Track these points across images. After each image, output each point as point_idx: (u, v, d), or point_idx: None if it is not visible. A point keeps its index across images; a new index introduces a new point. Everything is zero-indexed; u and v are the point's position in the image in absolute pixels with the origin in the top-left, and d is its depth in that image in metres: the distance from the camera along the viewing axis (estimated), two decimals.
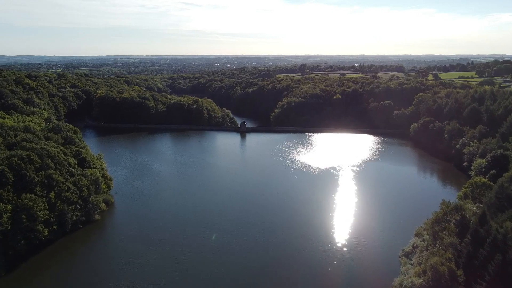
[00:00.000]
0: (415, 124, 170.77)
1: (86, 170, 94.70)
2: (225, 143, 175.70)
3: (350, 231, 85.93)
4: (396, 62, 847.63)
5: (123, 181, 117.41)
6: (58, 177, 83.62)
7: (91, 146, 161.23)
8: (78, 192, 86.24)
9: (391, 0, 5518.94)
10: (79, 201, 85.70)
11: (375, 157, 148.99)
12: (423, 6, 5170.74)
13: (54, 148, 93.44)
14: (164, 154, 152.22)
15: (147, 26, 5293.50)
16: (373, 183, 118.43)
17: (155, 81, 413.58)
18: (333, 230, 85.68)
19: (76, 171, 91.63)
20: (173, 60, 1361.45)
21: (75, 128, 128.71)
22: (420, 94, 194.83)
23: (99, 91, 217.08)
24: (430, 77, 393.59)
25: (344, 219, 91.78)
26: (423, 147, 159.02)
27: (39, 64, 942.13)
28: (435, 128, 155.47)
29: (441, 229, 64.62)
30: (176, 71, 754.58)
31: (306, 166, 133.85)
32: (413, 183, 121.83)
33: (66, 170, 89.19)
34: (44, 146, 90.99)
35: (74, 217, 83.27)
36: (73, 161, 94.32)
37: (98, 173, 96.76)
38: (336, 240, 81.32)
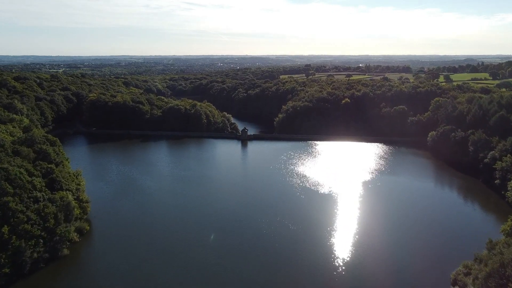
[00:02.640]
0: (433, 132, 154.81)
1: (55, 194, 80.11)
2: (225, 153, 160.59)
3: (366, 265, 71.01)
4: (401, 63, 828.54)
5: (106, 201, 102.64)
6: (16, 205, 69.04)
7: (77, 156, 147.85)
8: (42, 222, 71.66)
9: (395, 0, 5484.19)
10: (43, 233, 71.03)
11: (390, 170, 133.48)
12: (428, 6, 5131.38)
13: (18, 167, 78.94)
14: (156, 166, 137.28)
15: (152, 26, 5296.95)
16: (389, 203, 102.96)
17: (155, 82, 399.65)
18: (345, 266, 70.51)
19: (43, 195, 77.12)
20: (177, 60, 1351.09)
21: (54, 138, 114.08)
22: (437, 98, 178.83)
23: (91, 95, 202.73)
24: (441, 78, 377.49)
25: (357, 250, 76.49)
26: (444, 158, 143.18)
27: (42, 64, 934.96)
28: (457, 138, 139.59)
29: (498, 285, 49.30)
30: (179, 71, 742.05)
31: (313, 183, 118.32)
32: (437, 203, 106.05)
33: (29, 195, 74.66)
34: (5, 166, 76.49)
35: (35, 255, 68.60)
36: (40, 182, 79.79)
37: (70, 196, 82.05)
38: (350, 279, 66.34)
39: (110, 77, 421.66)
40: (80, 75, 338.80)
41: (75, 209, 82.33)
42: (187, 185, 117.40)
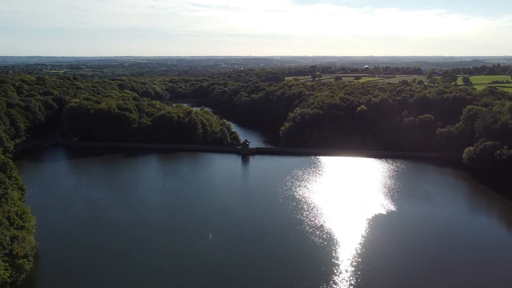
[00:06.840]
0: (471, 148, 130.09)
1: None
2: (222, 172, 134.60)
3: None
4: (407, 64, 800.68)
5: (60, 247, 78.24)
6: None
7: (43, 177, 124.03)
8: None
9: (402, 0, 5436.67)
10: None
11: (420, 195, 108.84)
12: (434, 6, 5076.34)
13: None
14: (138, 192, 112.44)
15: (157, 27, 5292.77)
16: (425, 249, 78.71)
17: (154, 84, 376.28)
18: None
19: None
20: (180, 61, 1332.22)
21: (6, 160, 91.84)
22: (469, 106, 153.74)
23: (72, 100, 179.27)
24: (459, 81, 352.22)
25: None
26: (486, 181, 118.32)
27: (43, 65, 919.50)
28: (504, 157, 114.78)
29: None
30: (181, 72, 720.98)
31: (325, 219, 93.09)
32: (484, 240, 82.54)
33: None
34: None
35: None
36: None
37: None
38: None
39: (108, 79, 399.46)
40: (72, 77, 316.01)
41: (3, 272, 58.82)
42: (172, 221, 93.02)
